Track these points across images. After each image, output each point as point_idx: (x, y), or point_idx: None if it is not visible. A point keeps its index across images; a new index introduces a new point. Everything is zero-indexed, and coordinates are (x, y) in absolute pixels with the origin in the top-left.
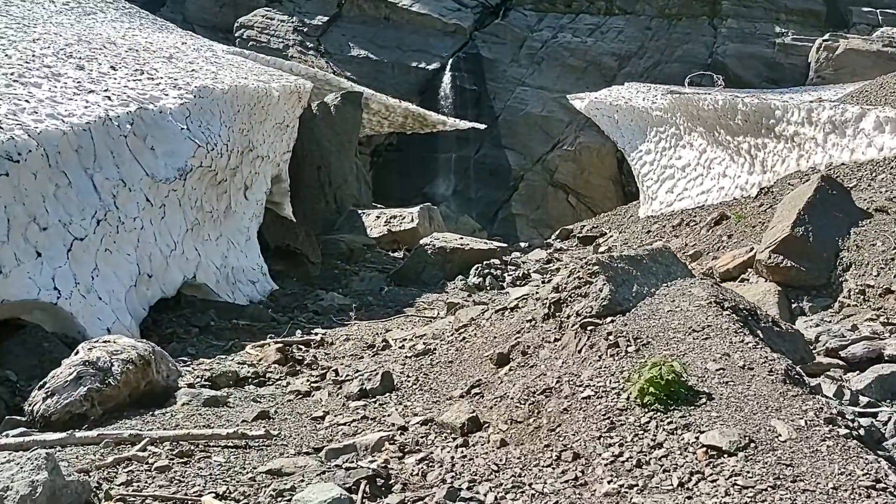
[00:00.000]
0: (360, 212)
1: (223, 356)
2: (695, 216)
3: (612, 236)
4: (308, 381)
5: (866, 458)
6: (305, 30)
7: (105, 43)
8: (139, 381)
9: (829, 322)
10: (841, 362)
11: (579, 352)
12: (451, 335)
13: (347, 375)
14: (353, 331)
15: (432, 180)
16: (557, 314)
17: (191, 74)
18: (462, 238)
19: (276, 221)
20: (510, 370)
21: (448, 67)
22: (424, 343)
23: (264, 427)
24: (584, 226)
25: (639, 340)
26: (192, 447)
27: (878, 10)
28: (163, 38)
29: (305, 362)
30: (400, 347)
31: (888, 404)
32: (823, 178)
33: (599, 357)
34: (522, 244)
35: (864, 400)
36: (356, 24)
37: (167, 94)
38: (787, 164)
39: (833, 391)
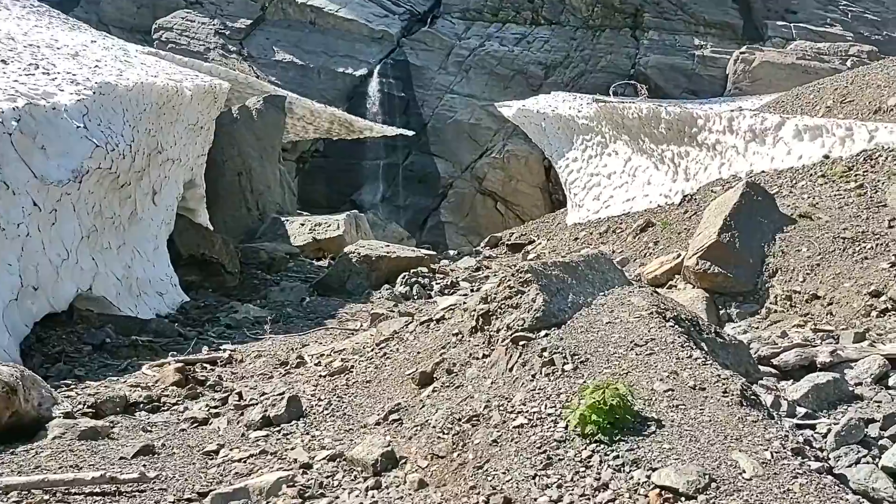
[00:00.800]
0: (283, 219)
1: (116, 378)
2: (621, 223)
3: (540, 244)
4: (207, 406)
5: (846, 499)
6: (227, 33)
7: (2, 38)
8: (1, 411)
9: (758, 328)
10: (773, 370)
11: (510, 370)
12: (372, 350)
13: (252, 399)
14: (266, 346)
15: (360, 187)
16: (486, 327)
17: (93, 71)
18: (388, 246)
19: (190, 229)
20: (434, 391)
21: (376, 73)
22: (342, 359)
23: (141, 467)
24: (513, 233)
25: (577, 357)
26: (47, 496)
27: (791, 25)
28: (70, 37)
29: (208, 383)
30: (315, 364)
31: (825, 415)
32: (749, 184)
33: (533, 377)
34: (451, 252)
35: (801, 411)
36: (281, 28)
37: (62, 90)
38: (709, 172)
39: (770, 401)
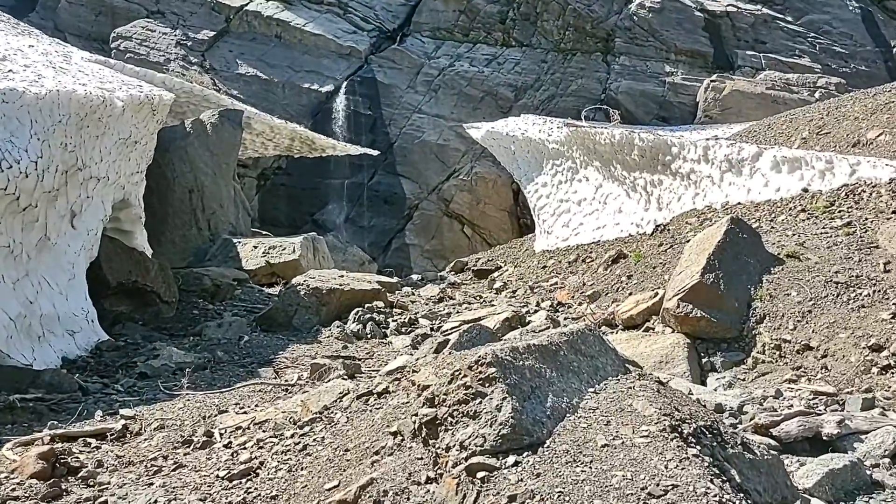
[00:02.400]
0: (236, 241)
1: None
2: (591, 252)
3: (507, 270)
4: None
5: None
6: (189, 44)
7: None
8: None
9: (744, 381)
10: (773, 441)
11: None
12: (292, 436)
13: None
14: (175, 410)
15: (323, 207)
16: (432, 441)
17: (5, 76)
18: (343, 276)
19: (122, 253)
20: None
21: (342, 90)
22: (257, 442)
23: None
24: (480, 258)
25: None
26: None
27: (761, 55)
28: (6, 41)
29: (80, 474)
30: (225, 446)
31: None
32: (733, 220)
33: None
34: (415, 277)
35: None
36: (245, 42)
37: None
38: (682, 202)
39: None
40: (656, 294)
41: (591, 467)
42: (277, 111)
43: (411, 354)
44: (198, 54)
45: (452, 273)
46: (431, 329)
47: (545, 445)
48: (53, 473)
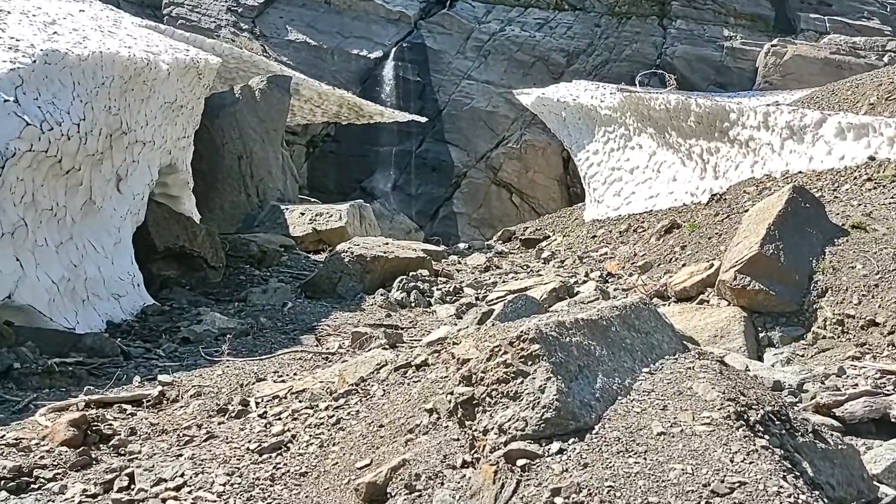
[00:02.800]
0: (283, 207)
1: (2, 427)
2: (643, 222)
3: (555, 240)
4: (85, 492)
5: None
6: (240, 10)
7: None
8: None
9: (803, 357)
10: (835, 422)
11: None
12: (325, 411)
13: (141, 492)
14: (214, 377)
15: (371, 174)
16: (468, 422)
17: (50, 38)
18: (387, 244)
19: (170, 218)
20: None
21: (391, 56)
22: (293, 413)
23: None
24: (528, 227)
25: None
26: None
27: (825, 18)
28: (58, 5)
29: (112, 442)
30: (259, 416)
31: None
32: (795, 188)
33: None
34: (461, 246)
35: (886, 492)
36: (295, 7)
37: None
38: (740, 171)
39: None
40: (711, 265)
41: (645, 458)
42: (326, 78)
43: (454, 325)
44: (248, 21)
45: (500, 242)
46: (476, 298)
47: (594, 432)
48: (84, 441)
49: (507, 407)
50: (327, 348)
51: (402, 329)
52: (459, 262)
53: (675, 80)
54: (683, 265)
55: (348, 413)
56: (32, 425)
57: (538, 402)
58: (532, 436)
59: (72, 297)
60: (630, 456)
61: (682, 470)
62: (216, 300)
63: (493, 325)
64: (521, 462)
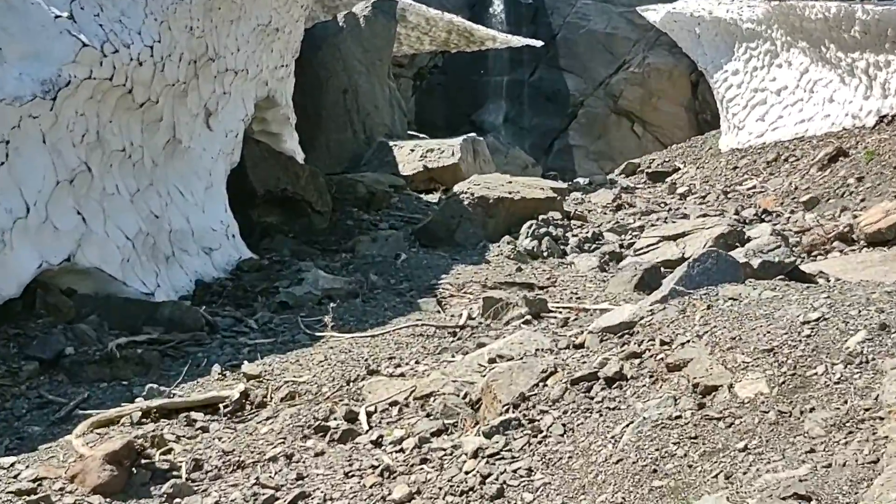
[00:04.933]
0: (392, 144)
1: (22, 454)
2: (794, 150)
3: (687, 172)
4: None
5: None
6: None
7: None
8: None
9: None
10: None
11: None
12: (473, 460)
13: None
14: (313, 366)
15: (481, 107)
16: None
17: None
18: (510, 181)
19: (269, 158)
20: None
21: None
22: (413, 456)
23: None
24: (654, 160)
25: None
26: None
27: None
28: None
29: (165, 487)
30: (374, 443)
31: None
32: None
33: None
34: (582, 181)
35: None
36: None
37: None
38: None
39: None
40: None
41: None
42: (432, 5)
43: (631, 301)
44: None
45: (623, 176)
46: (620, 246)
47: None
48: (129, 482)
49: None
50: (452, 316)
51: (541, 288)
52: (585, 201)
53: None
54: (862, 200)
55: (514, 472)
56: (65, 451)
57: None
58: None
59: (152, 255)
60: None
61: None
62: (321, 250)
63: (707, 306)
64: None
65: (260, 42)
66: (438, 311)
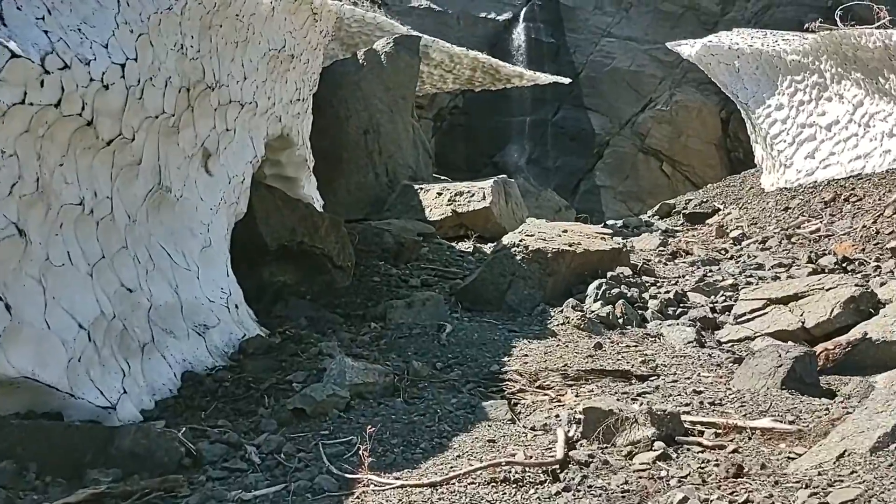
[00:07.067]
0: (417, 187)
1: None
2: (854, 189)
3: (729, 213)
4: None
5: None
6: None
7: None
8: None
9: None
10: None
11: None
12: None
13: None
14: None
15: (503, 147)
16: None
17: None
18: (565, 230)
19: (283, 207)
20: None
21: (521, 17)
22: None
23: None
24: (690, 200)
25: None
26: None
27: None
28: None
29: None
30: None
31: None
32: None
33: None
34: (617, 223)
35: None
36: None
37: None
38: None
39: None
40: None
41: None
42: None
43: (788, 405)
44: None
45: (657, 218)
46: (713, 310)
47: None
48: None
49: None
50: (535, 431)
51: (639, 378)
52: (628, 246)
53: (885, 11)
54: None
55: None
56: None
57: None
58: None
59: (118, 347)
60: None
61: None
62: (344, 315)
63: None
64: None
65: (272, 70)
66: (511, 419)
